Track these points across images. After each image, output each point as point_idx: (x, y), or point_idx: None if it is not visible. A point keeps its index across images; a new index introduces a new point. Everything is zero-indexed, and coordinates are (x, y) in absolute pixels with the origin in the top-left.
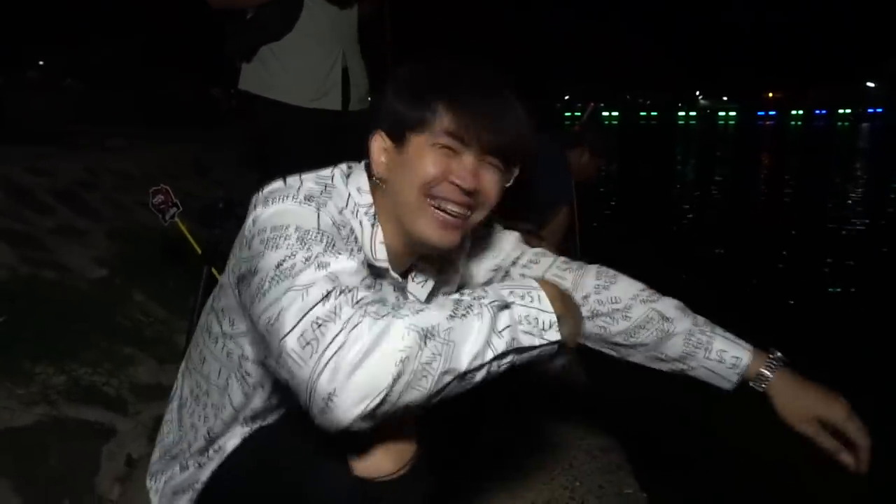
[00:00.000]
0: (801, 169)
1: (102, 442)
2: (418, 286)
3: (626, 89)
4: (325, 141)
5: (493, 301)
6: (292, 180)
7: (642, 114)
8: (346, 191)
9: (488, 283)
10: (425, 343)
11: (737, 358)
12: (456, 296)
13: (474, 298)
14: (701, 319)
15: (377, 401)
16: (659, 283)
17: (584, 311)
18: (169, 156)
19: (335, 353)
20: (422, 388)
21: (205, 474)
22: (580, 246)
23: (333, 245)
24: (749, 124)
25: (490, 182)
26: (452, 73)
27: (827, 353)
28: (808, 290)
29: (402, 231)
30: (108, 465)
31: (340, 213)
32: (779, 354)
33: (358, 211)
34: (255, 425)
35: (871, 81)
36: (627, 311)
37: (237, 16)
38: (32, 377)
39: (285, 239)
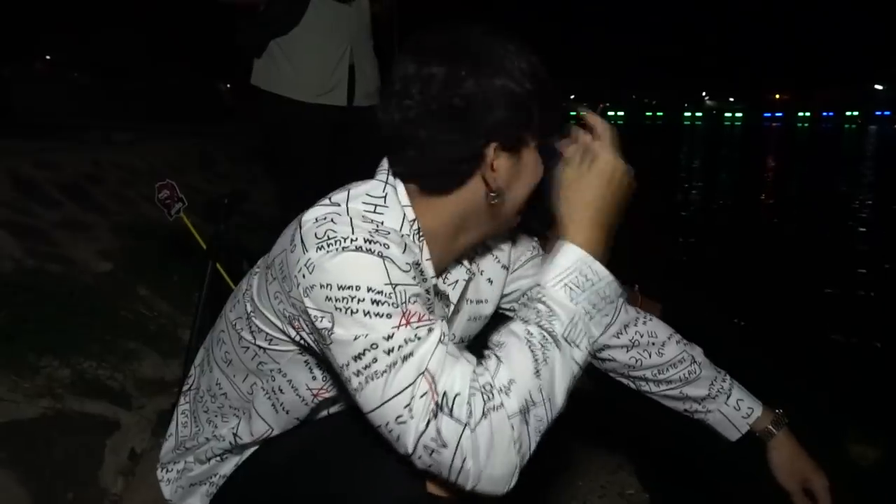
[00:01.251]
0: (807, 171)
1: (106, 435)
2: (450, 288)
3: (632, 88)
4: (329, 137)
5: (565, 330)
6: (339, 201)
7: (648, 113)
8: (399, 211)
9: (522, 267)
10: (528, 417)
11: (751, 409)
12: (522, 328)
13: (542, 328)
14: (720, 368)
15: (516, 476)
16: (663, 291)
17: (624, 340)
18: (175, 150)
19: (459, 476)
20: (539, 436)
21: (226, 468)
22: None
23: (406, 304)
24: (755, 126)
25: None
26: (544, 70)
27: (830, 356)
28: (813, 295)
29: (449, 235)
30: (111, 458)
31: (404, 248)
32: (782, 412)
33: (412, 229)
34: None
35: (879, 84)
36: (663, 347)
37: (248, 10)
38: (37, 370)
39: (358, 302)
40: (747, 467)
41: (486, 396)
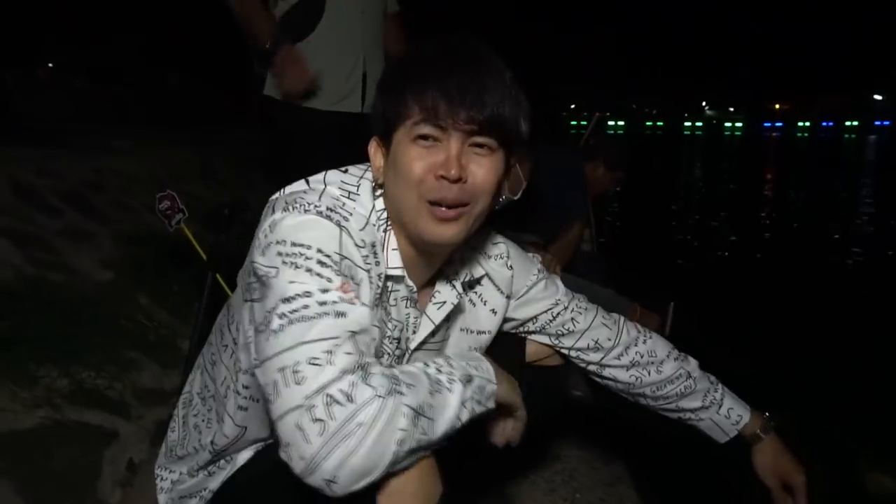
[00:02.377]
0: (806, 182)
1: (104, 446)
2: (435, 308)
3: (632, 98)
4: (343, 144)
5: (462, 376)
6: (316, 183)
7: (648, 123)
8: (370, 200)
9: (526, 293)
10: (417, 421)
11: (740, 416)
12: (422, 367)
13: (442, 371)
14: (713, 378)
15: (373, 478)
16: (660, 300)
17: (625, 360)
18: (175, 158)
19: (343, 439)
20: (408, 460)
21: (214, 483)
22: (597, 255)
23: (350, 278)
24: (755, 135)
25: (481, 168)
26: (420, 54)
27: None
28: (810, 305)
29: (408, 241)
30: (109, 468)
31: (363, 227)
32: (768, 415)
33: (380, 219)
34: (264, 443)
35: (879, 94)
36: (661, 365)
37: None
38: (36, 379)
39: (305, 259)
40: (745, 483)
41: (394, 381)
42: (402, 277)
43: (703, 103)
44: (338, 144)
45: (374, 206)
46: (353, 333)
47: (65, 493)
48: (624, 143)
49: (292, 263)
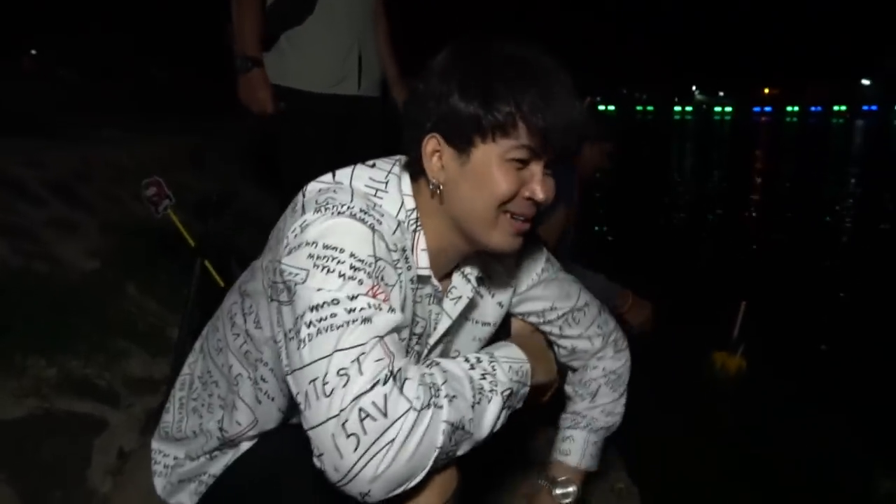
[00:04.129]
0: (795, 166)
1: (94, 435)
2: (451, 302)
3: (622, 83)
4: (340, 128)
5: (505, 389)
6: (343, 179)
7: (639, 108)
8: (399, 199)
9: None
10: (454, 435)
11: (569, 452)
12: (467, 370)
13: (486, 379)
14: (604, 426)
15: (409, 487)
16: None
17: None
18: (164, 147)
19: (378, 453)
20: (438, 467)
21: (216, 468)
22: (574, 245)
23: (381, 280)
24: (745, 120)
25: (551, 187)
26: (522, 68)
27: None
28: (799, 289)
29: (460, 239)
30: (99, 458)
31: (395, 229)
32: (579, 492)
33: (409, 217)
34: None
35: (867, 79)
36: (593, 370)
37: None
38: (24, 370)
39: (338, 263)
40: (740, 463)
41: (433, 391)
42: (429, 277)
43: (694, 88)
44: (334, 128)
45: (402, 204)
46: (381, 338)
47: (55, 482)
48: (604, 117)
49: (324, 267)
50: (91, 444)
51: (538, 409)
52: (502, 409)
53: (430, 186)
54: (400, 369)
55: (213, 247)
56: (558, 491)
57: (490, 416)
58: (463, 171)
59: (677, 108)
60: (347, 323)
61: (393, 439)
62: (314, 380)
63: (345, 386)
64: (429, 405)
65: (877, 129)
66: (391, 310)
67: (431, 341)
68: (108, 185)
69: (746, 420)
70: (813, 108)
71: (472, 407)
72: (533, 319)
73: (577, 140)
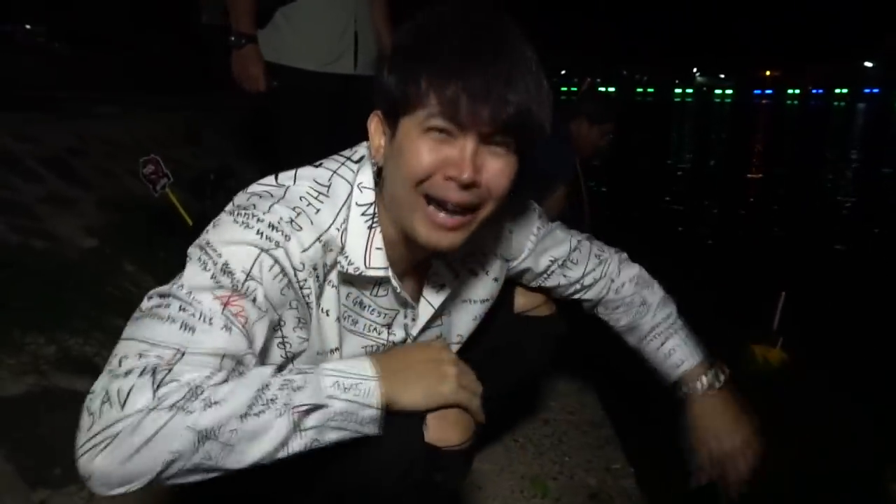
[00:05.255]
0: (795, 149)
1: None
2: (433, 291)
3: (622, 65)
4: (334, 106)
5: (302, 405)
6: (286, 181)
7: (639, 90)
8: (344, 194)
9: (543, 274)
10: (201, 445)
11: (682, 361)
12: (268, 377)
13: (283, 390)
14: (674, 316)
15: (131, 488)
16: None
17: (596, 291)
18: (160, 123)
19: (101, 442)
20: (189, 478)
21: None
22: (590, 223)
23: (245, 296)
24: (745, 102)
25: (496, 170)
26: (440, 31)
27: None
28: (799, 272)
29: (400, 233)
30: None
31: (312, 243)
32: (719, 373)
33: (348, 219)
34: None
35: (869, 61)
36: (621, 288)
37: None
38: (22, 347)
39: (213, 265)
40: None
41: (189, 395)
42: (387, 279)
43: (694, 70)
44: (328, 106)
45: (349, 200)
46: (179, 352)
47: (55, 458)
48: (605, 97)
49: (201, 262)
50: None
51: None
52: (298, 426)
53: (373, 169)
54: (168, 372)
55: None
56: (717, 384)
57: (275, 432)
58: (391, 149)
59: (677, 90)
60: (167, 319)
61: (118, 433)
62: (111, 355)
63: (109, 370)
64: (172, 407)
65: (879, 112)
66: (226, 328)
67: (414, 332)
68: (105, 161)
69: (794, 414)
70: (814, 91)
71: (243, 417)
72: (538, 282)
73: (520, 112)
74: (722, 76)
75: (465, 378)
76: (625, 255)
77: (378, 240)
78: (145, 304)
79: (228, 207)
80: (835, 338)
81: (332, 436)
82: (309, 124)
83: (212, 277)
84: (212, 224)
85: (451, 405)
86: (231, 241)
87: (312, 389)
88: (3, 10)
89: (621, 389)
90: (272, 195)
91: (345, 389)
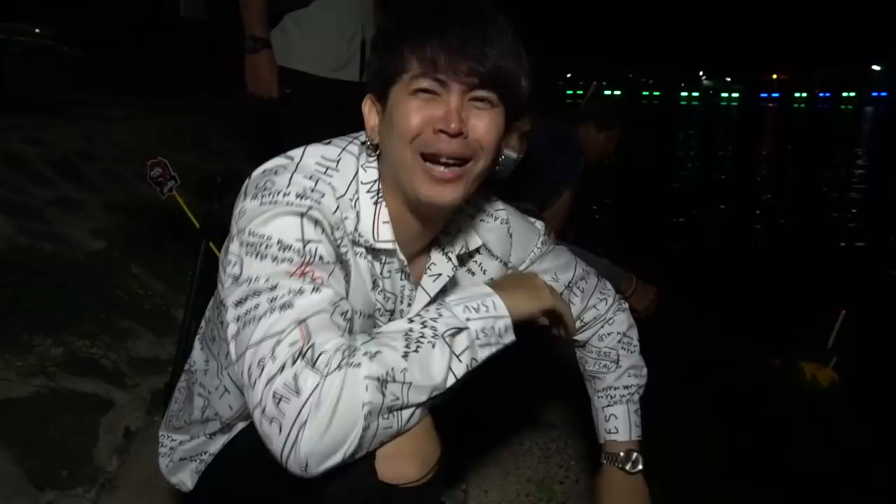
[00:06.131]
0: (802, 153)
1: (100, 414)
2: (430, 279)
3: (629, 67)
4: (342, 112)
5: (448, 329)
6: (294, 155)
7: (645, 93)
8: (353, 170)
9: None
10: (385, 388)
11: (616, 430)
12: (406, 325)
13: (426, 327)
14: (634, 388)
15: (348, 453)
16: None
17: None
18: (168, 126)
19: (299, 431)
20: (390, 429)
21: (215, 446)
22: (575, 229)
23: (314, 259)
24: (752, 106)
25: (482, 121)
26: (418, 6)
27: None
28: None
29: (405, 204)
30: (106, 437)
31: (336, 208)
32: (639, 459)
33: (358, 192)
34: None
35: (877, 64)
36: (606, 336)
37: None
38: (30, 349)
39: (266, 248)
40: (741, 448)
41: (346, 353)
42: (394, 251)
43: (701, 73)
44: (335, 112)
45: (357, 177)
46: (301, 321)
47: (62, 460)
48: (615, 102)
49: (255, 253)
50: (97, 422)
51: (570, 343)
52: (452, 350)
53: (370, 147)
54: (312, 346)
55: (217, 228)
56: (627, 466)
57: (437, 362)
58: (385, 123)
59: (684, 94)
60: (268, 312)
61: (311, 409)
62: (242, 373)
63: (261, 375)
64: (339, 367)
65: (887, 116)
66: (316, 289)
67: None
68: (113, 165)
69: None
70: (821, 94)
71: (405, 356)
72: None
73: (495, 65)
74: (728, 79)
75: (554, 290)
76: (625, 303)
77: (384, 214)
78: (231, 318)
79: (249, 192)
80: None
81: (483, 353)
82: (316, 128)
83: (273, 260)
84: (238, 215)
85: (552, 308)
86: (269, 218)
87: (449, 317)
88: (12, 16)
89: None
90: (286, 168)
91: (475, 310)
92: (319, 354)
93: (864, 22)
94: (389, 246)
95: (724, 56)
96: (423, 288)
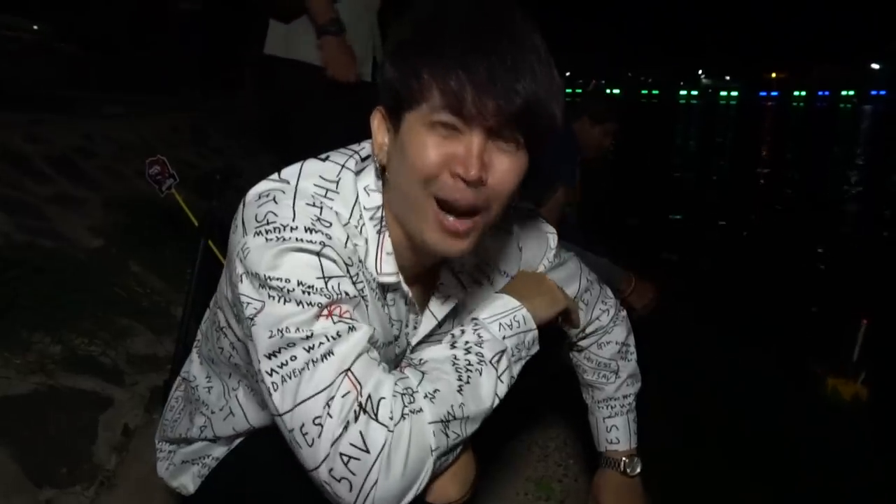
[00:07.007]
0: (801, 152)
1: (99, 412)
2: (438, 302)
3: (628, 66)
4: (355, 111)
5: (494, 356)
6: (290, 178)
7: (644, 91)
8: (353, 192)
9: None
10: (448, 429)
11: (617, 440)
12: (449, 351)
13: (470, 353)
14: (632, 397)
15: (413, 495)
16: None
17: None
18: (167, 124)
19: (373, 486)
20: (447, 461)
21: (219, 450)
22: (581, 224)
23: (340, 296)
24: (751, 104)
25: (504, 167)
26: (442, 21)
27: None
28: (804, 274)
29: (408, 237)
30: (104, 434)
31: (346, 239)
32: (637, 463)
33: (363, 218)
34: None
35: (876, 63)
36: (605, 345)
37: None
38: (29, 346)
39: (289, 293)
40: (738, 446)
41: (408, 400)
42: (398, 284)
43: (700, 72)
44: (347, 108)
45: (357, 203)
46: (346, 370)
47: (61, 458)
48: (607, 97)
49: (279, 297)
50: (96, 420)
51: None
52: (499, 374)
53: (376, 168)
54: (369, 396)
55: (216, 226)
56: (628, 471)
57: (486, 388)
58: (395, 146)
59: (682, 92)
60: (308, 364)
61: (383, 464)
62: (293, 430)
63: (321, 435)
64: (404, 416)
65: (885, 114)
66: (352, 329)
67: (414, 341)
68: (112, 162)
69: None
70: (820, 93)
71: (460, 390)
72: None
73: (528, 105)
74: (727, 78)
75: (560, 289)
76: (623, 311)
77: (388, 244)
78: (266, 371)
79: (249, 225)
80: None
81: (517, 368)
82: (329, 123)
83: (298, 304)
84: (242, 255)
85: (565, 311)
86: (282, 259)
87: (491, 340)
88: (10, 12)
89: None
90: (284, 193)
91: (508, 327)
92: (380, 403)
93: (863, 20)
94: (393, 279)
95: (723, 54)
96: (431, 312)
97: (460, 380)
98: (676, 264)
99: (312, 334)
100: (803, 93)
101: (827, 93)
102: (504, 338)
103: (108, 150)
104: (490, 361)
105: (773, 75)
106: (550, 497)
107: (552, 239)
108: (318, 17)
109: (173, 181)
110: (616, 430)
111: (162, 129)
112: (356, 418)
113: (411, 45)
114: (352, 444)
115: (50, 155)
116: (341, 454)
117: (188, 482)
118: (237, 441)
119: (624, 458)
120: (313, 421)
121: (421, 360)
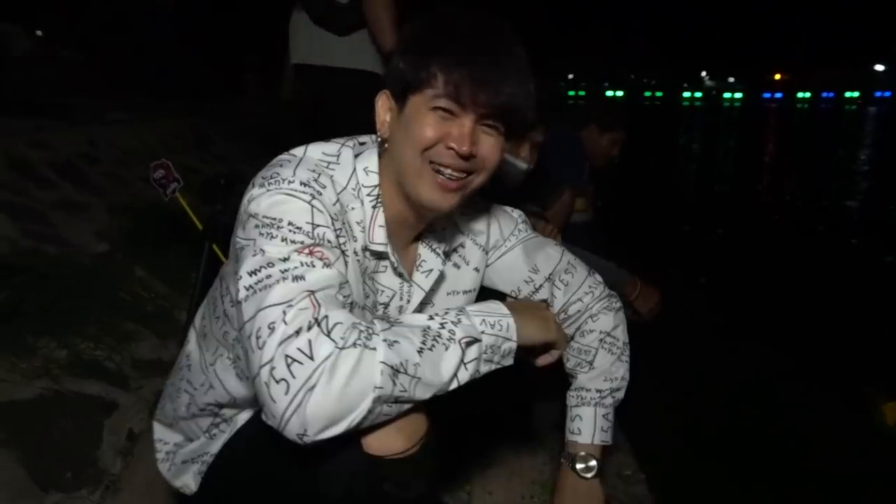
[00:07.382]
0: (805, 153)
1: (104, 416)
2: (423, 276)
3: (630, 68)
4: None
5: (465, 337)
6: (294, 157)
7: (647, 93)
8: (350, 169)
9: (504, 254)
10: (396, 378)
11: (579, 432)
12: (426, 321)
13: (444, 328)
14: (607, 392)
15: (348, 428)
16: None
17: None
18: (171, 129)
19: (307, 394)
20: (389, 415)
21: (216, 446)
22: (595, 227)
23: (322, 242)
24: (755, 106)
25: (489, 146)
26: (450, 28)
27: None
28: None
29: (403, 200)
30: (109, 439)
31: (337, 201)
32: (596, 465)
33: (360, 192)
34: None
35: (880, 64)
36: (588, 333)
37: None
38: (34, 351)
39: (278, 230)
40: (744, 451)
41: (363, 335)
42: (386, 253)
43: (703, 73)
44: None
45: (353, 173)
46: (311, 292)
47: (66, 462)
48: (614, 103)
49: (267, 234)
50: (101, 425)
51: (550, 373)
52: (463, 357)
53: (378, 140)
54: (326, 317)
55: (220, 230)
56: (579, 466)
57: (447, 364)
58: (399, 123)
59: (686, 94)
60: (279, 280)
61: (318, 381)
62: (249, 335)
63: (270, 336)
64: (355, 345)
65: (890, 116)
66: (326, 266)
67: (409, 312)
68: (116, 167)
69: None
70: (824, 94)
71: (420, 352)
72: (525, 290)
73: (509, 102)
74: (731, 79)
75: (559, 325)
76: (617, 302)
77: (380, 218)
78: (244, 286)
79: (256, 183)
80: None
81: (485, 368)
82: (361, 116)
83: (283, 241)
84: (246, 203)
85: (552, 342)
86: (278, 203)
87: (468, 326)
88: (14, 19)
89: (631, 396)
90: (290, 161)
91: (491, 326)
92: (335, 325)
93: (866, 22)
94: (382, 248)
95: (726, 56)
96: (416, 284)
97: (424, 344)
98: (681, 271)
99: (289, 258)
100: (807, 94)
101: (831, 94)
102: (482, 332)
103: (112, 155)
104: (460, 341)
105: (777, 77)
106: None
107: (519, 214)
108: (385, 45)
109: (177, 185)
110: (580, 421)
111: (164, 135)
112: (308, 328)
113: (423, 42)
114: (298, 349)
115: (54, 161)
116: (286, 356)
117: (190, 481)
118: (235, 428)
119: (581, 452)
120: (268, 325)
121: (396, 320)
